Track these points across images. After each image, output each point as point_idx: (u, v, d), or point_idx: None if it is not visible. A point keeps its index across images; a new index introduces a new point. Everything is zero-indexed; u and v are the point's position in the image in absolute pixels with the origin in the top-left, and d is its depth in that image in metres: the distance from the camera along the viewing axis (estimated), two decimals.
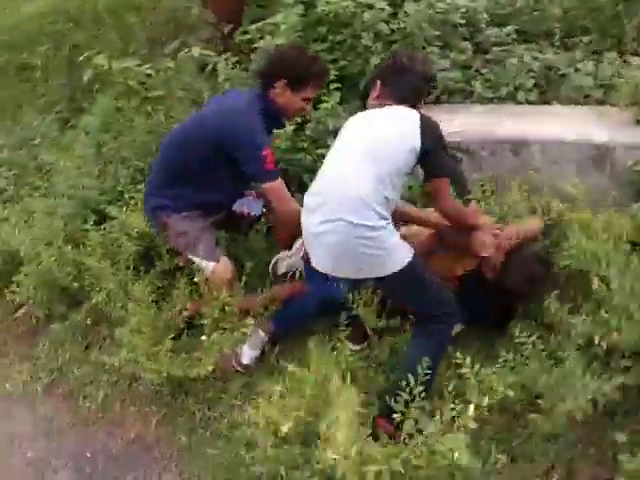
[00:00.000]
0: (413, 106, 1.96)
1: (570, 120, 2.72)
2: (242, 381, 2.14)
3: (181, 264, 2.48)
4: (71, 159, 3.21)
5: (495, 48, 3.53)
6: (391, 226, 1.77)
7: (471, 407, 1.51)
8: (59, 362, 2.49)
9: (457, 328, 2.04)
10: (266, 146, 2.11)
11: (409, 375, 1.53)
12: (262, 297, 2.30)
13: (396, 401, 1.52)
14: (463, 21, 3.45)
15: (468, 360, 1.56)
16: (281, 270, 2.43)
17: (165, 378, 2.09)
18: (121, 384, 2.27)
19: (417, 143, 1.79)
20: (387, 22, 3.19)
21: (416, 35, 3.13)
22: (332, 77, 3.21)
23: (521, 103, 3.14)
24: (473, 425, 1.45)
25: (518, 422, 1.78)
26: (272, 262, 2.46)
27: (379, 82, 2.05)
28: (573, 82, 2.88)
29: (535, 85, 3.22)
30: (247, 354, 2.21)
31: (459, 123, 2.90)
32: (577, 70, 2.93)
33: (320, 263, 1.83)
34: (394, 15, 3.21)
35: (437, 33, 3.18)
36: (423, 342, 1.80)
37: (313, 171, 2.85)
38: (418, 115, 1.86)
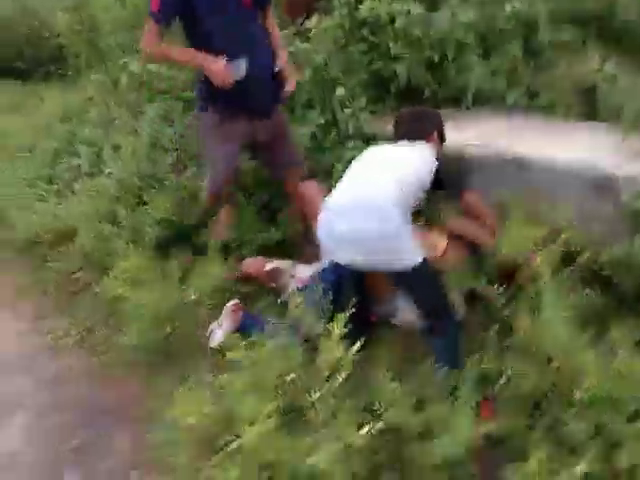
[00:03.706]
0: (421, 138, 2.35)
1: (587, 142, 2.57)
2: (209, 364, 2.40)
3: None
4: (132, 144, 3.65)
5: (548, 53, 3.34)
6: (410, 228, 2.06)
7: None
8: (88, 323, 2.93)
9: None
10: None
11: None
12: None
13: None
14: (511, 24, 3.31)
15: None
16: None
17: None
18: (127, 347, 2.62)
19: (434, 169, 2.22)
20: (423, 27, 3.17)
21: (448, 42, 3.08)
22: (365, 79, 3.29)
23: (559, 116, 2.99)
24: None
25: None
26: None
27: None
28: (605, 100, 2.68)
29: (581, 95, 3.04)
30: (217, 338, 2.47)
31: (476, 134, 2.86)
32: (611, 88, 2.71)
33: (347, 259, 2.11)
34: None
35: (471, 40, 3.09)
36: (443, 341, 2.06)
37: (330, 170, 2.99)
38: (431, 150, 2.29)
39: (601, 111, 2.80)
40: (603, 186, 2.32)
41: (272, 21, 2.64)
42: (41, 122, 5.37)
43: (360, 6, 3.29)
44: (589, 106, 3.04)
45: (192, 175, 3.07)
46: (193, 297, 2.46)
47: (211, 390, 2.15)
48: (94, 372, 2.59)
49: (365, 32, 3.37)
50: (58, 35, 6.63)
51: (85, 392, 2.47)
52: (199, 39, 2.30)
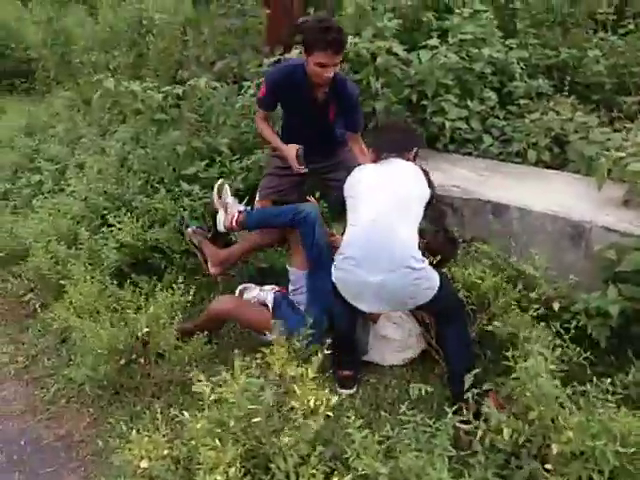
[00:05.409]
0: (401, 155, 2.33)
1: (561, 190, 2.59)
2: (163, 401, 2.25)
3: None
4: (99, 163, 3.50)
5: (522, 101, 3.42)
6: (426, 261, 2.09)
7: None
8: (36, 350, 2.73)
9: None
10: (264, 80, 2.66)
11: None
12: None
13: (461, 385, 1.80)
14: (489, 71, 3.38)
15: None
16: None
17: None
18: (75, 381, 2.43)
19: (428, 196, 2.21)
20: (402, 67, 3.20)
21: (428, 82, 3.11)
22: None
23: (531, 163, 3.03)
24: None
25: None
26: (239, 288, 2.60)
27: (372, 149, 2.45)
28: (577, 150, 2.73)
29: (552, 143, 3.10)
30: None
31: (452, 176, 2.86)
32: (583, 138, 2.76)
33: (374, 307, 2.14)
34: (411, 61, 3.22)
35: (450, 82, 3.13)
36: (458, 331, 2.12)
37: None
38: (422, 171, 2.26)
39: (572, 160, 2.85)
40: (576, 235, 2.33)
41: (359, 148, 2.70)
42: (2, 135, 5.15)
43: None
44: (559, 154, 3.10)
45: (162, 198, 2.94)
46: (146, 330, 2.30)
47: (168, 429, 2.01)
48: (37, 405, 2.39)
49: (346, 68, 3.38)
50: (26, 48, 6.46)
51: (26, 428, 2.27)
52: (285, 126, 2.79)
